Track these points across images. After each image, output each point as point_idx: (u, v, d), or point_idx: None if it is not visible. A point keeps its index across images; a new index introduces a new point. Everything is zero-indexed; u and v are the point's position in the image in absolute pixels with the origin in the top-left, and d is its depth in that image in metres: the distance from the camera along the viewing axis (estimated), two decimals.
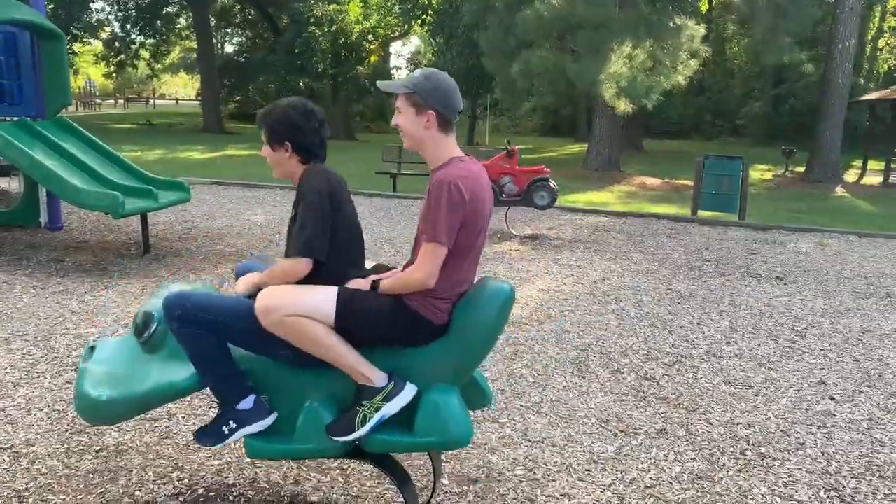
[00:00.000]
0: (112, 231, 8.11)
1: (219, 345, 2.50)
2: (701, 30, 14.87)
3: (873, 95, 22.17)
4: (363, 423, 2.43)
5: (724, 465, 3.35)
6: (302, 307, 2.38)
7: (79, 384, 2.68)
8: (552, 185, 8.37)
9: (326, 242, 2.52)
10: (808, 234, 9.76)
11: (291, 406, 2.56)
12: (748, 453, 3.46)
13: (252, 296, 2.58)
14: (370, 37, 27.91)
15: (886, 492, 3.13)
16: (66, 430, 3.49)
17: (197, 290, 2.56)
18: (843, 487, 3.17)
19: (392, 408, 2.43)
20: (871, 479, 3.24)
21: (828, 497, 3.09)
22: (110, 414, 2.65)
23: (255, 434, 2.54)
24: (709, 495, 3.07)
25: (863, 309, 6.12)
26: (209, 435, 2.59)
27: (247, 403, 2.52)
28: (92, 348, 2.85)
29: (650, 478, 3.21)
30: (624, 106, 14.09)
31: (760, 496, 3.07)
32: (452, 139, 2.52)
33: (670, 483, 3.17)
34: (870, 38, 31.83)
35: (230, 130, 29.31)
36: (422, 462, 3.24)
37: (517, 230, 9.12)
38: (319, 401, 2.52)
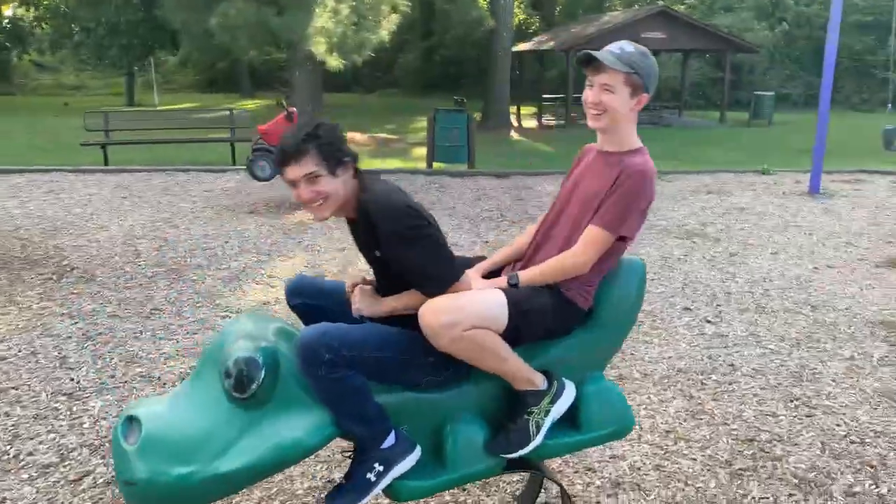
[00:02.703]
0: None
1: (364, 383, 2.09)
2: None
3: (521, 47, 24.93)
4: (537, 430, 2.24)
5: (701, 398, 3.70)
6: (478, 317, 2.09)
7: (134, 467, 1.97)
8: None
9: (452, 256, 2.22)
10: (543, 178, 10.80)
11: (428, 433, 2.25)
12: (707, 382, 3.88)
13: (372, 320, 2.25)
14: None
15: (828, 390, 3.77)
16: None
17: (333, 325, 2.08)
18: (798, 396, 3.73)
19: (560, 408, 2.28)
20: (806, 384, 3.86)
21: (795, 405, 3.62)
22: (199, 499, 2.02)
23: (402, 475, 2.17)
24: (720, 426, 3.40)
25: (648, 239, 7.06)
26: (350, 491, 2.13)
27: (390, 440, 2.15)
28: (131, 419, 2.10)
29: (663, 423, 3.43)
30: (335, 62, 13.96)
31: (754, 418, 3.49)
32: None
33: (682, 422, 3.43)
34: None
35: None
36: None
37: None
38: (462, 421, 2.25)
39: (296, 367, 2.09)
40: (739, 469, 3.03)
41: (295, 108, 8.07)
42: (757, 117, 21.92)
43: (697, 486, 2.92)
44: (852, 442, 3.25)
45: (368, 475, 2.12)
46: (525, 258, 2.48)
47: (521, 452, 2.23)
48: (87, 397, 3.61)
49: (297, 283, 2.43)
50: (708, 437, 3.30)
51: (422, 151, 14.44)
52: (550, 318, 2.27)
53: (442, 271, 2.15)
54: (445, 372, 2.21)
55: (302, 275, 2.49)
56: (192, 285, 5.39)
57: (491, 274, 2.53)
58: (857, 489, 2.89)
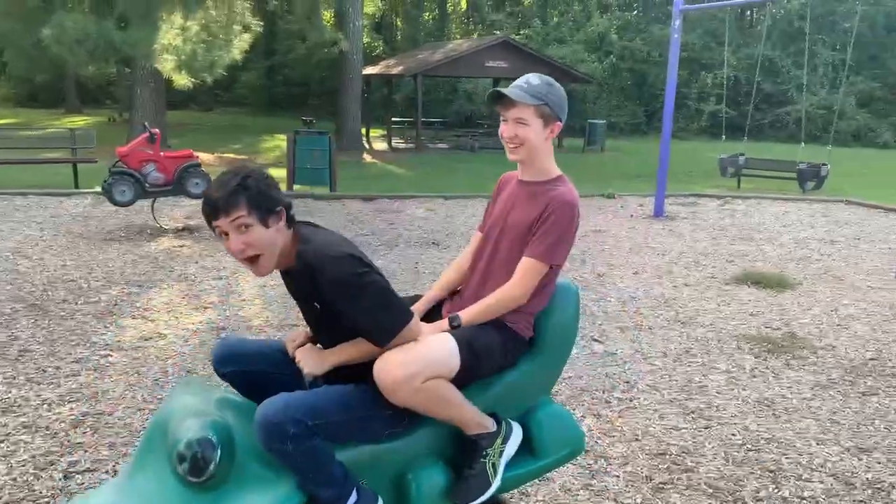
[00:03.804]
0: None
1: (329, 447, 2.05)
2: (247, 4, 14.87)
3: (369, 70, 25.06)
4: (494, 472, 2.27)
5: (609, 416, 3.91)
6: (434, 366, 2.11)
7: None
8: (205, 171, 7.72)
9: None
10: (409, 202, 10.90)
11: (389, 482, 2.23)
12: (611, 400, 4.08)
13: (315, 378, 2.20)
14: None
15: (717, 402, 4.09)
16: None
17: (291, 395, 2.01)
18: (693, 409, 4.02)
19: (512, 447, 2.35)
20: (697, 397, 4.17)
21: (693, 418, 3.90)
22: None
23: None
24: (633, 443, 3.60)
25: None
26: None
27: (353, 497, 2.10)
28: None
29: None
30: (184, 80, 13.39)
31: (661, 432, 3.72)
32: None
33: (598, 440, 3.60)
34: None
35: None
36: None
37: (164, 223, 8.17)
38: (422, 467, 2.24)
39: (249, 438, 2.00)
40: (660, 483, 3.22)
41: (157, 130, 7.64)
42: (591, 144, 23.32)
43: (626, 501, 3.07)
44: (749, 450, 3.55)
45: None
46: (469, 292, 2.51)
47: (484, 497, 2.24)
48: None
49: (225, 350, 2.31)
50: (625, 453, 3.48)
51: (276, 172, 14.07)
52: (500, 354, 2.34)
53: (391, 318, 2.11)
54: (404, 422, 2.21)
55: (225, 339, 2.37)
56: (61, 322, 4.95)
57: (428, 313, 2.57)
58: (763, 494, 3.15)
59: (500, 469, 2.28)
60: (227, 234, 2.03)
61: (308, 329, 2.35)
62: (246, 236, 2.01)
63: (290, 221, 2.12)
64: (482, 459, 2.24)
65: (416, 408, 2.12)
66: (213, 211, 2.01)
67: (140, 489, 1.97)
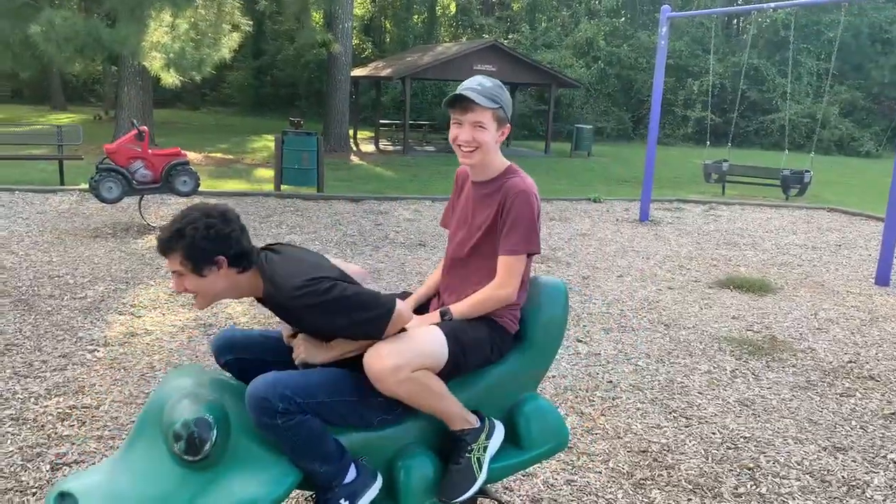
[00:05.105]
0: None
1: (321, 423, 2.10)
2: (237, 3, 14.86)
3: (357, 73, 25.05)
4: (479, 467, 2.32)
5: (591, 414, 3.96)
6: (422, 357, 2.16)
7: None
8: (193, 169, 7.72)
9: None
10: (396, 203, 10.94)
11: (379, 469, 2.27)
12: (593, 399, 4.14)
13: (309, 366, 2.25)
14: None
15: (698, 402, 4.16)
16: None
17: (282, 373, 2.06)
18: (675, 408, 4.09)
19: (495, 444, 2.40)
20: (678, 397, 4.24)
21: (674, 417, 3.96)
22: None
23: None
24: (615, 440, 3.66)
25: None
26: None
27: (351, 473, 2.16)
28: (63, 496, 1.91)
29: None
30: (172, 79, 13.34)
31: (642, 430, 3.78)
32: None
33: (580, 437, 3.65)
34: None
35: None
36: None
37: (151, 220, 8.16)
38: (412, 455, 2.29)
39: (245, 420, 2.05)
40: (640, 479, 3.28)
41: (146, 127, 7.64)
42: (578, 149, 23.39)
43: (608, 497, 3.13)
44: (728, 448, 3.62)
45: None
46: (445, 293, 2.57)
47: (470, 493, 2.28)
48: None
49: (226, 339, 2.35)
50: (607, 450, 3.54)
51: (264, 173, 14.16)
52: (488, 348, 2.38)
53: (372, 316, 2.10)
54: (396, 410, 2.26)
55: (229, 328, 2.42)
56: (48, 317, 4.95)
57: (417, 311, 2.60)
58: (741, 490, 3.22)
59: (485, 464, 2.32)
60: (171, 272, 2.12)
61: None
62: (182, 281, 2.10)
63: (244, 262, 2.12)
64: (467, 454, 2.28)
65: (401, 398, 2.15)
66: (159, 251, 2.12)
67: (134, 468, 2.01)
